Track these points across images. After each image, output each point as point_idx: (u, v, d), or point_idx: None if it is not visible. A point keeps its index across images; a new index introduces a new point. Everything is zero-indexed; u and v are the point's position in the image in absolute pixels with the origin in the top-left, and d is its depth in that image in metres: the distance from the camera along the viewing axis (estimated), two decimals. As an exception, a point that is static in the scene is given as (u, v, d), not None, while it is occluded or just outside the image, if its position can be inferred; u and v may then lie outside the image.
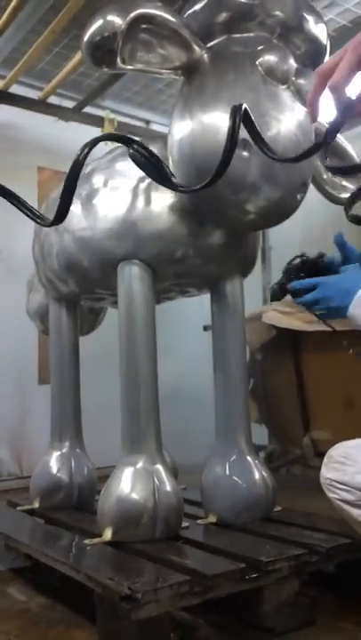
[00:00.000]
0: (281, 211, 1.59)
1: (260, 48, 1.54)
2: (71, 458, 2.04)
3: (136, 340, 1.68)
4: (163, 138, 1.67)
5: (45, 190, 3.01)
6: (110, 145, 2.95)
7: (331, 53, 1.32)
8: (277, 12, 1.55)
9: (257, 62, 1.52)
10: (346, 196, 1.80)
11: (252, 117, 1.10)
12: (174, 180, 1.31)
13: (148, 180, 1.68)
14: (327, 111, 0.96)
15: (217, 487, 1.73)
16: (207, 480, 1.76)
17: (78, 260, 1.80)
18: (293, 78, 1.54)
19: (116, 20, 1.38)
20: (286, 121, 1.51)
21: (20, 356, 3.15)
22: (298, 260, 1.53)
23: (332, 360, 2.46)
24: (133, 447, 1.64)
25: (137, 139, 1.29)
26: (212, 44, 1.57)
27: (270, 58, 1.52)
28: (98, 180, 1.78)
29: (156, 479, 1.58)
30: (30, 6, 2.48)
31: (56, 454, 2.04)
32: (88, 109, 3.31)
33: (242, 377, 1.85)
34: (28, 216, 1.15)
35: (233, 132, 1.09)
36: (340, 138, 1.77)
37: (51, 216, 1.89)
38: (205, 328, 2.87)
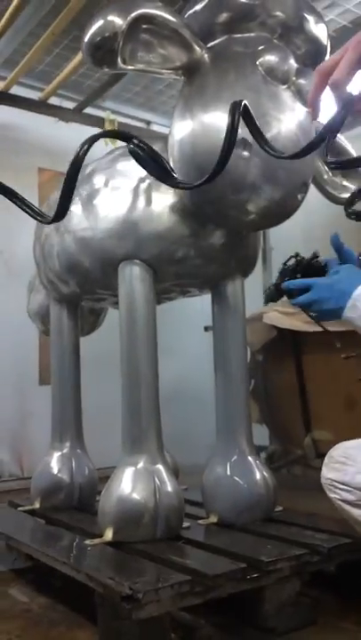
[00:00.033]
0: (282, 211, 1.59)
1: (260, 48, 1.54)
2: (72, 458, 2.03)
3: (137, 341, 1.68)
4: (163, 139, 1.67)
5: (46, 191, 3.01)
6: (111, 145, 2.96)
7: (331, 53, 1.32)
8: (278, 13, 1.55)
9: (257, 62, 1.52)
10: (346, 195, 1.80)
11: (252, 113, 1.10)
12: (175, 175, 1.30)
13: (148, 181, 1.68)
14: (328, 110, 0.96)
15: (218, 487, 1.73)
16: (208, 480, 1.76)
17: (79, 260, 1.80)
18: (294, 78, 1.54)
19: (117, 20, 1.38)
20: (287, 121, 1.51)
21: (20, 357, 3.14)
22: (293, 261, 1.53)
23: (333, 361, 2.45)
24: (134, 447, 1.63)
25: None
26: (212, 44, 1.57)
27: (271, 58, 1.52)
28: (99, 181, 1.78)
29: (157, 479, 1.58)
30: (31, 8, 2.48)
31: (57, 455, 2.04)
32: (89, 110, 3.31)
33: (243, 377, 1.85)
34: (28, 213, 1.15)
35: (232, 127, 1.09)
36: (340, 138, 1.77)
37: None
38: (206, 329, 2.87)
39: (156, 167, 1.26)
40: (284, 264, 1.56)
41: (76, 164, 1.15)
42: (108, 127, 3.22)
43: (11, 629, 1.50)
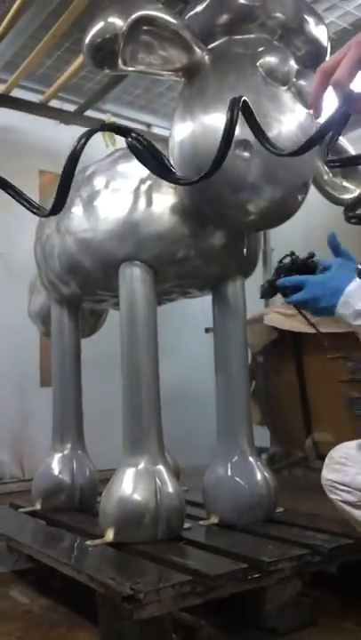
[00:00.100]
0: (282, 211, 1.59)
1: (260, 49, 1.54)
2: (73, 459, 2.04)
3: (138, 341, 1.69)
4: (164, 141, 1.68)
5: (47, 193, 3.01)
6: (111, 147, 2.96)
7: (332, 55, 1.32)
8: (278, 14, 1.55)
9: (258, 63, 1.53)
10: (347, 196, 1.80)
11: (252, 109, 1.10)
12: (174, 170, 1.30)
13: (149, 182, 1.69)
14: (330, 109, 0.95)
15: (219, 488, 1.73)
16: (209, 481, 1.76)
17: (80, 261, 1.81)
18: (294, 79, 1.55)
19: (118, 21, 1.39)
20: (287, 122, 1.52)
21: (21, 358, 3.15)
22: (288, 259, 1.54)
23: (333, 362, 2.45)
24: (135, 448, 1.64)
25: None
26: (213, 45, 1.57)
27: (271, 59, 1.53)
28: (99, 182, 1.78)
29: (157, 480, 1.58)
30: (31, 11, 2.49)
31: (58, 456, 2.04)
32: (89, 113, 3.32)
33: (243, 378, 1.85)
34: (25, 207, 1.16)
35: (231, 123, 1.09)
36: (341, 139, 1.78)
37: (52, 221, 1.92)
38: (207, 330, 2.87)
39: (155, 162, 1.25)
40: (280, 261, 1.57)
41: (74, 158, 1.15)
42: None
43: (11, 630, 1.50)
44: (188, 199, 1.62)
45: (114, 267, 1.72)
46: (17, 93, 3.10)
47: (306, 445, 2.65)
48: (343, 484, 1.42)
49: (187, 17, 1.59)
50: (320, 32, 1.60)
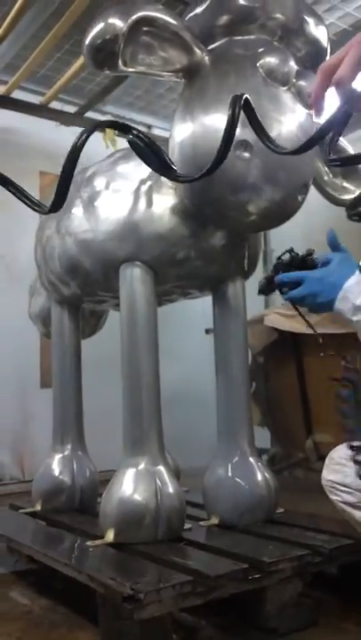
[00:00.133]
0: (282, 212, 1.59)
1: (260, 50, 1.54)
2: (73, 460, 2.03)
3: (138, 342, 1.69)
4: (164, 142, 1.68)
5: (47, 194, 3.01)
6: (112, 148, 2.97)
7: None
8: (278, 15, 1.56)
9: (258, 64, 1.53)
10: (347, 197, 1.80)
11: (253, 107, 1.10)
12: (174, 167, 1.30)
13: (149, 183, 1.69)
14: (331, 108, 0.94)
15: (219, 489, 1.73)
16: (209, 482, 1.76)
17: (80, 262, 1.81)
18: (294, 80, 1.55)
19: (118, 22, 1.39)
20: (287, 122, 1.52)
21: (21, 360, 3.15)
22: (287, 256, 1.54)
23: (333, 363, 2.45)
24: (135, 449, 1.63)
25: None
26: (213, 46, 1.57)
27: (271, 60, 1.53)
28: (99, 183, 1.79)
29: (158, 480, 1.58)
30: (32, 12, 2.50)
31: (58, 457, 2.04)
32: (90, 114, 3.32)
33: (244, 379, 1.85)
34: (25, 204, 1.16)
35: (232, 120, 1.09)
36: (341, 140, 1.78)
37: (53, 222, 1.93)
38: (207, 331, 2.88)
39: (156, 159, 1.25)
40: (279, 258, 1.58)
41: (74, 155, 1.15)
42: (108, 132, 3.23)
43: (11, 631, 1.50)
44: (189, 200, 1.62)
45: (114, 267, 1.73)
46: (17, 95, 3.10)
47: (306, 446, 2.65)
48: (343, 485, 1.42)
49: (187, 18, 1.60)
50: (320, 33, 1.60)
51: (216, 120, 1.48)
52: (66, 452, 2.05)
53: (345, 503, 1.43)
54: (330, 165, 1.78)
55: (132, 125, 1.26)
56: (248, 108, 1.08)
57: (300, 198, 1.59)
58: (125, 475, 1.59)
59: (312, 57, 1.60)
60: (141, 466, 1.60)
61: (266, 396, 2.89)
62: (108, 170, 1.81)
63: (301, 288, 1.44)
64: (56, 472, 2.01)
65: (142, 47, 1.44)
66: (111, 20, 1.40)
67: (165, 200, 1.67)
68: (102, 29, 1.40)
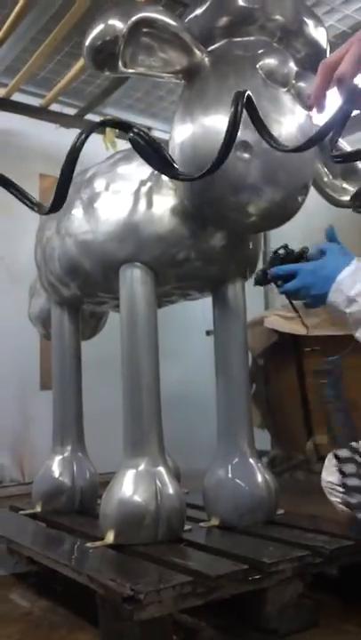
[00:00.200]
0: (282, 213, 1.59)
1: (260, 51, 1.54)
2: (73, 462, 2.03)
3: (138, 343, 1.68)
4: (165, 144, 1.68)
5: (47, 197, 3.01)
6: (111, 149, 2.97)
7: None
8: (277, 16, 1.56)
9: (257, 66, 1.53)
10: (347, 198, 1.81)
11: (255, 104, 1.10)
12: (175, 166, 1.30)
13: (149, 184, 1.69)
14: (333, 105, 0.94)
15: (219, 490, 1.72)
16: (209, 483, 1.75)
17: (80, 262, 1.81)
18: (294, 81, 1.55)
19: (118, 23, 1.39)
20: (287, 124, 1.52)
21: (21, 362, 3.15)
22: (283, 251, 1.55)
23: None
24: (135, 450, 1.63)
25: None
26: (212, 47, 1.58)
27: (271, 61, 1.53)
28: (99, 184, 1.79)
29: (158, 481, 1.57)
30: (32, 15, 2.50)
31: (58, 458, 2.04)
32: (90, 116, 3.34)
33: (244, 380, 1.84)
34: (25, 204, 1.16)
35: (235, 117, 1.09)
36: (341, 142, 1.78)
37: (53, 223, 1.93)
38: (208, 333, 2.88)
39: (157, 157, 1.25)
40: (275, 252, 1.59)
41: (73, 155, 1.15)
42: (108, 133, 3.24)
43: (11, 633, 1.49)
44: (189, 201, 1.62)
45: (114, 268, 1.73)
46: (17, 97, 3.11)
47: (307, 448, 2.65)
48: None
49: (187, 19, 1.60)
50: (319, 34, 1.61)
51: (216, 121, 1.48)
52: (66, 454, 2.05)
53: (345, 504, 1.43)
54: (333, 162, 1.76)
55: (133, 123, 1.26)
56: (250, 105, 1.09)
57: (300, 199, 1.59)
58: (125, 476, 1.59)
59: (312, 58, 1.60)
60: (141, 467, 1.60)
61: (266, 397, 2.89)
62: (108, 171, 1.81)
63: (295, 281, 1.46)
64: (56, 473, 2.01)
65: (142, 48, 1.45)
66: (111, 22, 1.40)
67: (165, 201, 1.67)
68: (102, 31, 1.40)
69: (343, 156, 1.22)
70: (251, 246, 1.83)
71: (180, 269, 1.73)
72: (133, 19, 1.39)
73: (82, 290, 1.92)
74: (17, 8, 2.44)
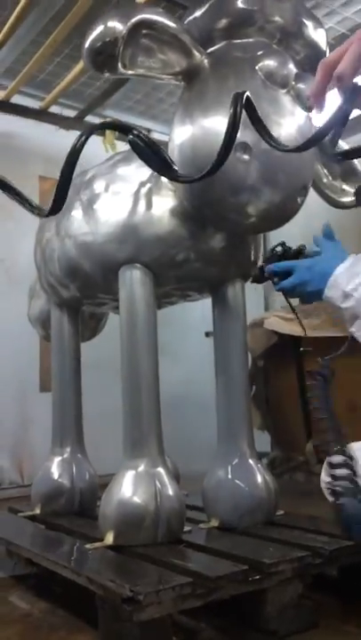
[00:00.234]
0: (281, 214, 1.60)
1: (259, 53, 1.55)
2: (72, 463, 2.03)
3: (138, 343, 1.69)
4: (164, 146, 1.68)
5: (47, 199, 3.01)
6: (111, 151, 2.97)
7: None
8: (277, 18, 1.56)
9: (257, 67, 1.53)
10: (346, 199, 1.81)
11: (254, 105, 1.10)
12: (175, 167, 1.30)
13: (149, 185, 1.70)
14: (332, 104, 0.93)
15: (219, 490, 1.72)
16: (209, 484, 1.75)
17: (79, 264, 1.81)
18: (293, 83, 1.56)
19: (117, 25, 1.39)
20: (287, 125, 1.53)
21: (21, 364, 3.15)
22: (280, 248, 1.56)
23: (334, 365, 2.45)
24: (135, 451, 1.63)
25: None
26: (212, 49, 1.58)
27: (270, 62, 1.54)
28: (99, 186, 1.79)
29: (157, 482, 1.57)
30: (32, 17, 2.51)
31: (57, 460, 2.04)
32: (89, 118, 3.34)
33: (243, 380, 1.84)
34: (24, 207, 1.16)
35: (235, 118, 1.09)
36: (340, 143, 1.78)
37: (52, 224, 1.93)
38: (207, 334, 2.88)
39: (157, 159, 1.26)
40: (272, 249, 1.60)
41: (73, 157, 1.15)
42: (108, 135, 3.24)
43: (10, 635, 1.49)
44: (188, 202, 1.62)
45: (114, 269, 1.73)
46: (17, 99, 3.12)
47: (307, 450, 2.65)
48: (342, 487, 1.42)
49: (186, 21, 1.61)
50: (319, 36, 1.61)
51: (216, 122, 1.48)
52: (65, 455, 2.04)
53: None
54: (335, 160, 1.76)
55: (133, 125, 1.27)
56: (249, 106, 1.09)
57: (299, 200, 1.59)
58: (125, 477, 1.59)
59: (311, 60, 1.61)
60: (141, 468, 1.60)
61: (266, 399, 2.89)
62: (107, 172, 1.81)
63: (292, 278, 1.47)
64: (55, 475, 2.01)
65: (142, 50, 1.45)
66: (111, 23, 1.40)
67: (165, 202, 1.67)
68: (102, 32, 1.40)
69: (344, 154, 1.22)
70: (250, 247, 1.83)
71: (179, 270, 1.73)
72: (133, 20, 1.40)
73: (81, 291, 1.92)
74: (17, 10, 2.45)
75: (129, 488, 1.57)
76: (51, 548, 1.68)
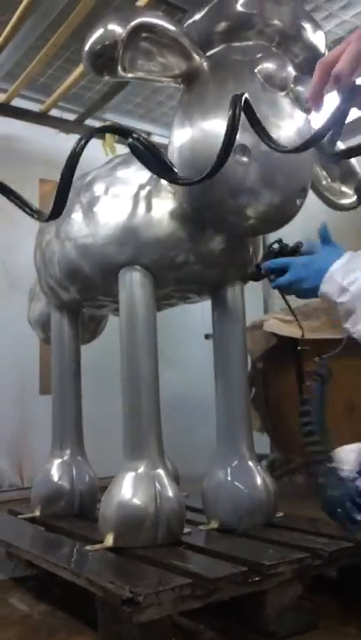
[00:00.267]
0: (281, 216, 1.60)
1: (258, 56, 1.56)
2: (72, 465, 2.03)
3: (137, 345, 1.69)
4: (164, 148, 1.69)
5: (47, 202, 3.02)
6: (110, 154, 2.98)
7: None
8: (276, 21, 1.57)
9: (256, 70, 1.54)
10: (345, 201, 1.82)
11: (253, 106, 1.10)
12: (175, 170, 1.31)
13: (148, 187, 1.70)
14: (330, 104, 0.93)
15: (219, 492, 1.72)
16: (209, 485, 1.75)
17: (79, 266, 1.81)
18: (292, 85, 1.56)
19: (117, 28, 1.40)
20: (286, 127, 1.53)
21: (21, 366, 3.15)
22: (277, 246, 1.57)
23: (333, 367, 2.45)
24: (135, 452, 1.63)
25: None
26: (211, 52, 1.59)
27: (269, 65, 1.54)
28: (99, 188, 1.80)
29: (157, 484, 1.57)
30: (32, 21, 2.52)
31: (57, 462, 2.04)
32: (89, 122, 3.35)
33: (243, 383, 1.85)
34: (24, 211, 1.16)
35: (233, 119, 1.09)
36: (339, 145, 1.79)
37: (52, 227, 1.93)
38: (207, 336, 2.88)
39: (156, 162, 1.26)
40: (269, 246, 1.61)
41: (72, 161, 1.16)
42: (108, 139, 3.25)
43: (10, 637, 1.49)
44: (188, 204, 1.63)
45: (113, 272, 1.73)
46: (17, 103, 3.13)
47: (306, 452, 2.64)
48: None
49: (185, 25, 1.61)
50: (318, 38, 1.62)
51: (215, 125, 1.49)
52: (65, 458, 2.04)
53: None
54: (333, 160, 1.76)
55: (132, 129, 1.27)
56: (248, 108, 1.09)
57: (298, 202, 1.60)
58: (125, 478, 1.59)
59: (310, 63, 1.61)
60: (141, 469, 1.60)
61: (265, 401, 2.89)
62: (107, 175, 1.82)
63: (287, 274, 1.48)
64: (55, 477, 2.01)
65: (141, 53, 1.46)
66: (110, 26, 1.41)
67: (164, 204, 1.68)
68: (102, 35, 1.41)
69: (343, 153, 1.22)
70: (250, 249, 1.83)
71: (179, 272, 1.73)
72: (133, 23, 1.41)
73: (81, 293, 1.92)
74: (17, 13, 2.46)
75: (129, 490, 1.57)
76: (50, 549, 1.68)
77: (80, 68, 2.82)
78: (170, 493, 1.58)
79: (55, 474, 2.01)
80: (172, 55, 1.51)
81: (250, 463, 1.75)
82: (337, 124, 0.92)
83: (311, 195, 1.72)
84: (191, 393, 3.20)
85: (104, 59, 1.43)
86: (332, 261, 1.40)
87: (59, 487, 2.00)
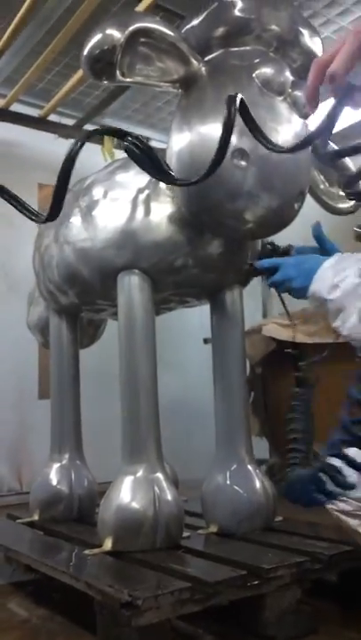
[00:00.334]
0: (279, 220, 1.61)
1: (256, 61, 1.56)
2: (71, 470, 2.03)
3: (136, 349, 1.69)
4: (162, 151, 1.69)
5: (46, 206, 3.02)
6: (109, 159, 2.99)
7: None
8: (273, 27, 1.58)
9: (254, 75, 1.55)
10: (343, 205, 1.82)
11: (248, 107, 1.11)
12: (171, 172, 1.31)
13: (147, 191, 1.71)
14: (326, 103, 0.93)
15: (218, 496, 1.72)
16: (208, 489, 1.75)
17: (78, 270, 1.82)
18: (290, 90, 1.57)
19: (116, 33, 1.41)
20: (284, 132, 1.54)
21: (20, 371, 3.14)
22: (269, 247, 1.60)
23: (332, 372, 2.45)
24: (133, 456, 1.63)
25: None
26: (209, 57, 1.60)
27: (267, 70, 1.55)
28: (98, 192, 1.80)
29: (156, 488, 1.57)
30: (31, 27, 2.53)
31: (56, 466, 2.04)
32: (88, 127, 3.35)
33: (242, 387, 1.85)
34: (23, 213, 1.17)
35: (228, 119, 1.10)
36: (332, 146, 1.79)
37: (51, 231, 1.94)
38: (206, 341, 2.88)
39: (152, 164, 1.27)
40: (263, 246, 1.63)
41: (68, 164, 1.16)
42: (106, 143, 3.26)
43: (9, 641, 1.49)
44: (186, 208, 1.63)
45: (112, 275, 1.73)
46: (16, 108, 3.14)
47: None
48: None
49: (183, 30, 1.62)
50: (315, 44, 1.63)
51: (213, 129, 1.49)
52: (64, 462, 2.04)
53: (341, 512, 1.43)
54: (324, 160, 1.76)
55: (128, 131, 1.28)
56: (243, 108, 1.09)
57: (296, 206, 1.60)
58: (123, 482, 1.59)
59: (307, 68, 1.59)
60: (139, 473, 1.60)
61: (264, 405, 2.89)
62: (106, 179, 1.82)
63: (278, 273, 1.49)
64: (54, 481, 2.00)
65: (140, 58, 1.46)
66: (109, 31, 1.41)
67: (163, 208, 1.68)
68: (100, 40, 1.42)
69: (336, 153, 1.22)
70: (248, 254, 1.84)
71: (177, 276, 1.74)
72: (131, 28, 1.41)
73: (80, 297, 1.92)
74: (16, 19, 2.46)
75: (127, 494, 1.57)
76: (49, 554, 1.68)
77: (79, 74, 2.82)
78: (169, 497, 1.58)
79: (54, 478, 2.01)
80: (170, 60, 1.51)
81: (249, 467, 1.75)
82: (332, 123, 0.92)
83: (309, 199, 1.73)
84: (190, 397, 3.20)
85: (103, 63, 1.43)
86: (323, 261, 1.41)
87: (57, 491, 1.99)
